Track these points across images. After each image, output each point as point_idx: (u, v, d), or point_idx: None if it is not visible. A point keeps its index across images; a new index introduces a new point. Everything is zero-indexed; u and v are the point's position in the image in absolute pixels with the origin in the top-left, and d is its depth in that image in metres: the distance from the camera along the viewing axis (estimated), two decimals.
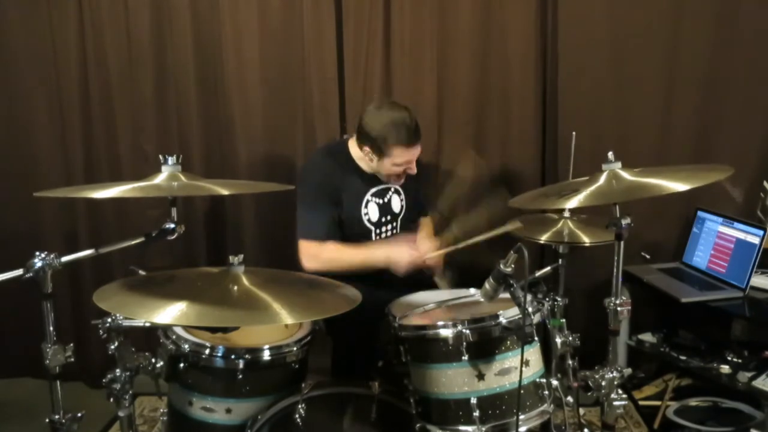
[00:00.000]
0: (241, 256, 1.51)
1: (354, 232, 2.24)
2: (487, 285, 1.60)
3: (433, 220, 2.48)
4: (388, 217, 2.31)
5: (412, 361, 1.71)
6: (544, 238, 2.27)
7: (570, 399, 1.84)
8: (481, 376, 1.61)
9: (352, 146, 2.27)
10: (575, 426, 2.06)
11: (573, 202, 1.66)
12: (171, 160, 1.63)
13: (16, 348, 3.04)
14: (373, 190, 2.28)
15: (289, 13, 2.83)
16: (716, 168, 1.70)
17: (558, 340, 1.78)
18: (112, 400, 1.63)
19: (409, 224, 2.39)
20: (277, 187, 2.02)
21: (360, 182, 2.26)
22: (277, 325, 1.90)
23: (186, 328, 1.80)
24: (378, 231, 2.29)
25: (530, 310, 1.63)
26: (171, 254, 2.92)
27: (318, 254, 2.15)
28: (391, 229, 2.33)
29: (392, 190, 2.32)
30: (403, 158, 2.15)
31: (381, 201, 2.29)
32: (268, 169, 2.91)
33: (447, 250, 2.12)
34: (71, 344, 1.54)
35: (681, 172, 1.72)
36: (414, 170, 2.22)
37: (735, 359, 2.51)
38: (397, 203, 2.34)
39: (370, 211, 2.27)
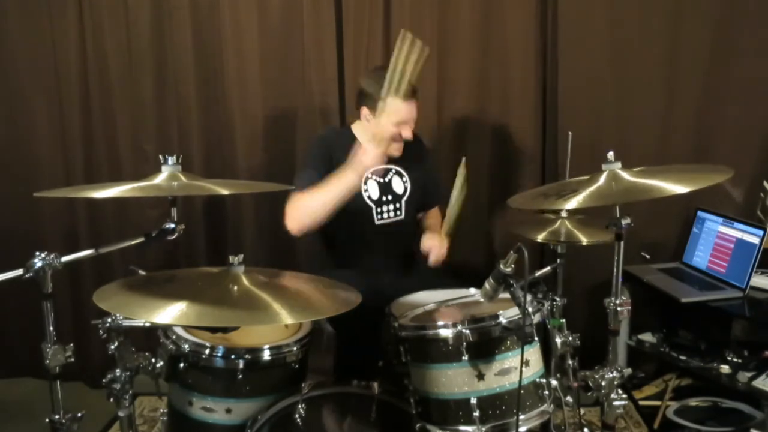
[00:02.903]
0: (241, 256, 1.51)
1: (354, 209, 2.21)
2: (487, 285, 1.60)
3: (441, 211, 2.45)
4: (390, 197, 2.31)
5: (412, 361, 1.71)
6: (540, 238, 2.27)
7: (570, 399, 1.84)
8: (481, 376, 1.61)
9: (356, 127, 2.31)
10: (575, 426, 2.06)
11: (572, 203, 1.65)
12: (171, 160, 1.63)
13: (16, 348, 3.04)
14: (375, 169, 2.28)
15: (289, 13, 2.83)
16: (716, 170, 1.69)
17: (558, 340, 1.78)
18: (112, 400, 1.63)
19: (415, 208, 2.38)
20: (277, 187, 2.01)
21: None
22: (277, 325, 1.90)
23: (186, 328, 1.80)
24: (379, 210, 2.29)
25: (530, 310, 1.63)
26: (171, 254, 2.92)
27: (297, 204, 2.07)
28: (394, 210, 2.32)
29: (393, 171, 2.32)
30: (398, 114, 2.15)
31: (381, 180, 2.30)
32: (268, 169, 2.92)
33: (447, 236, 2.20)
34: (71, 344, 1.54)
35: (681, 174, 1.72)
36: (409, 133, 2.20)
37: (735, 359, 2.51)
38: (399, 184, 2.33)
39: (370, 188, 2.27)
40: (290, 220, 2.08)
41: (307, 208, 2.06)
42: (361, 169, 2.02)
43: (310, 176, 2.14)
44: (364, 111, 2.22)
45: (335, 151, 2.21)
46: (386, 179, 2.31)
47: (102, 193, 1.54)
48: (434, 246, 2.25)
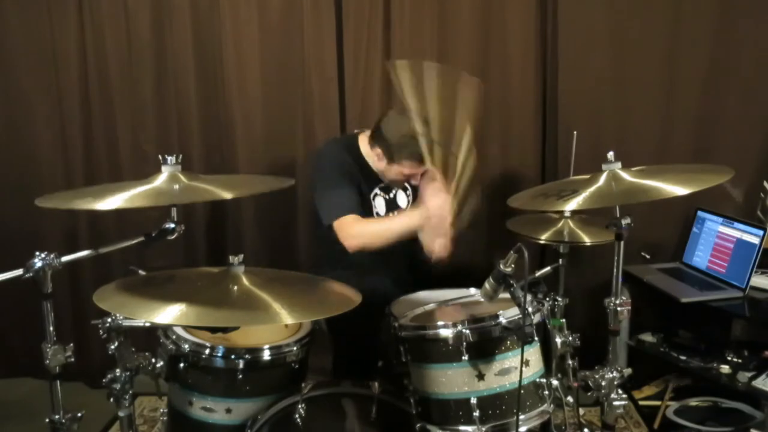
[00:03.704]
0: (241, 256, 1.51)
1: None
2: (487, 285, 1.60)
3: None
4: (395, 213, 2.31)
5: (412, 361, 1.71)
6: (544, 238, 2.27)
7: (570, 399, 1.83)
8: (481, 376, 1.61)
9: (362, 142, 2.28)
10: (575, 426, 2.06)
11: (572, 205, 1.65)
12: (171, 160, 1.63)
13: (16, 348, 3.04)
14: (381, 184, 2.29)
15: (289, 13, 2.83)
16: (717, 170, 1.70)
17: (558, 340, 1.78)
18: (112, 400, 1.63)
19: None
20: (279, 184, 1.99)
21: (369, 176, 2.27)
22: (277, 325, 1.90)
23: (186, 328, 1.80)
24: None
25: (530, 310, 1.63)
26: (171, 254, 2.92)
27: (360, 228, 2.10)
28: None
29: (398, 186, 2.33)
30: (410, 171, 2.17)
31: (387, 196, 2.30)
32: (267, 169, 2.91)
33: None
34: (71, 344, 1.54)
35: (681, 175, 1.72)
36: (417, 182, 2.21)
37: (735, 359, 2.52)
38: (402, 199, 2.34)
39: (378, 206, 2.28)
40: (351, 240, 2.08)
41: (372, 235, 2.09)
42: (426, 213, 1.99)
43: (348, 198, 2.13)
44: (378, 151, 2.18)
45: (346, 161, 2.21)
46: (391, 195, 2.32)
47: (104, 204, 1.51)
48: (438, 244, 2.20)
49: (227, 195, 1.61)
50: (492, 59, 2.85)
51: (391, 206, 2.31)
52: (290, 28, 2.84)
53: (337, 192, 2.14)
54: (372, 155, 2.23)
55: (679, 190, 1.56)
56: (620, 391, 1.68)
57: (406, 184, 2.34)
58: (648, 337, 2.78)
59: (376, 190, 2.28)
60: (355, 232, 2.08)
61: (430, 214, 1.98)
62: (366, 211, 2.23)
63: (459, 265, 2.27)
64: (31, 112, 2.93)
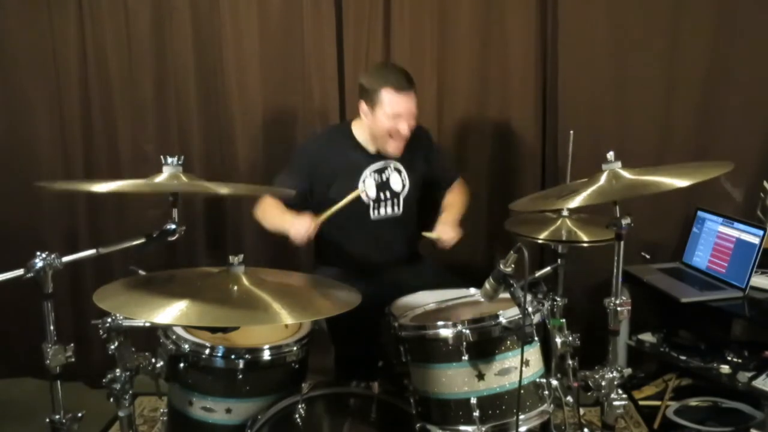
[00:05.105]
0: (241, 256, 1.51)
1: (351, 208, 2.23)
2: (487, 285, 1.60)
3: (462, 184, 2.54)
4: (387, 194, 2.31)
5: (412, 361, 1.71)
6: (542, 236, 2.27)
7: (570, 399, 1.84)
8: (481, 376, 1.61)
9: (355, 125, 2.32)
10: (575, 426, 2.06)
11: (572, 203, 1.66)
12: (172, 160, 1.63)
13: (16, 348, 3.03)
14: (373, 167, 2.29)
15: (289, 13, 2.83)
16: (716, 164, 1.70)
17: (558, 340, 1.78)
18: (112, 400, 1.63)
19: (413, 203, 2.38)
20: (278, 194, 2.03)
21: (360, 158, 2.28)
22: (277, 325, 1.90)
23: (186, 328, 1.80)
24: (376, 206, 2.30)
25: (530, 310, 1.63)
26: (171, 254, 2.92)
27: (262, 207, 2.28)
28: (392, 206, 2.33)
29: (391, 167, 2.32)
30: (393, 107, 2.15)
31: (380, 178, 2.30)
32: (267, 169, 2.91)
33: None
34: (71, 344, 1.53)
35: (681, 169, 1.73)
36: (406, 130, 2.20)
37: (735, 359, 2.51)
38: (397, 181, 2.33)
39: (368, 188, 2.28)
40: (256, 212, 2.31)
41: (262, 216, 2.28)
42: (292, 238, 2.12)
43: (285, 181, 2.24)
44: (362, 106, 2.23)
45: (328, 154, 2.25)
46: (384, 177, 2.31)
47: (101, 186, 1.53)
48: (445, 234, 2.24)
49: (224, 190, 1.65)
50: (492, 59, 2.85)
51: (383, 188, 2.30)
52: (290, 28, 2.84)
53: (286, 176, 2.29)
54: (362, 125, 2.26)
55: (678, 182, 1.56)
56: (620, 391, 1.68)
57: (401, 167, 2.33)
58: (648, 337, 2.78)
59: (367, 173, 2.28)
60: (259, 208, 2.29)
61: (289, 233, 2.13)
62: (345, 191, 2.22)
63: (459, 265, 2.28)
64: (31, 112, 2.93)
